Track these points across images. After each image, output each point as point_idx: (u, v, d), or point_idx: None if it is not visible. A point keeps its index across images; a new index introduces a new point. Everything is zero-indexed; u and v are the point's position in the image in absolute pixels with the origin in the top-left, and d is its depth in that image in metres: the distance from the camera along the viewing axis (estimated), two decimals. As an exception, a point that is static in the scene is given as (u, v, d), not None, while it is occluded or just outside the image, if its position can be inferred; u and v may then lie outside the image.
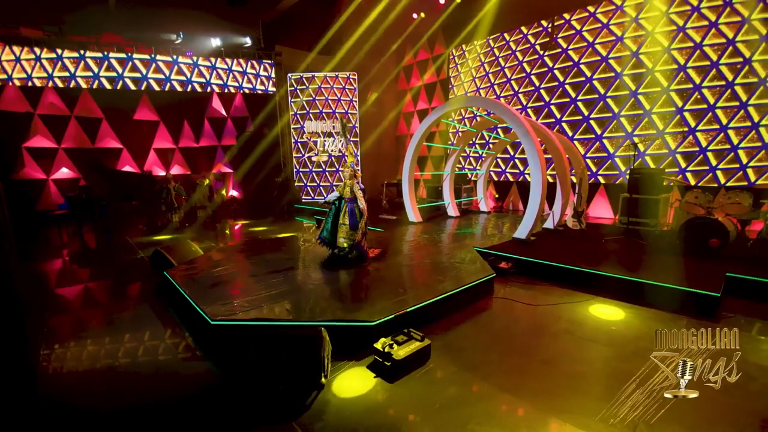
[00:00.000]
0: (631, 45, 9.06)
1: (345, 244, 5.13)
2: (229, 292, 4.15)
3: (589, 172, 9.46)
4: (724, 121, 7.88)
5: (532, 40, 10.88)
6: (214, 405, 2.64)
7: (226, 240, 8.65)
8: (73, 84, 11.70)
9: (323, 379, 2.70)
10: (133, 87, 12.36)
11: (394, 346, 2.93)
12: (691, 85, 8.23)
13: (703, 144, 8.14)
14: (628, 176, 7.41)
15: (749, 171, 7.68)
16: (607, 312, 4.12)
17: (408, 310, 3.50)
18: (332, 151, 13.29)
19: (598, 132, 9.66)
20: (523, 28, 11.08)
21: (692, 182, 8.20)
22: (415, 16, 12.85)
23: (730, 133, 7.83)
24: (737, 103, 7.70)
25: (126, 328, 4.04)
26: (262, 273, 4.81)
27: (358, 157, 13.63)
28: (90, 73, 11.85)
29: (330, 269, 4.96)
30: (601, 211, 9.68)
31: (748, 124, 7.60)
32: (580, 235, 6.62)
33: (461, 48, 12.83)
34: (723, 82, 7.83)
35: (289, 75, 13.33)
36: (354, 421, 2.43)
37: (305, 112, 13.43)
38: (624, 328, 3.75)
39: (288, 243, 7.18)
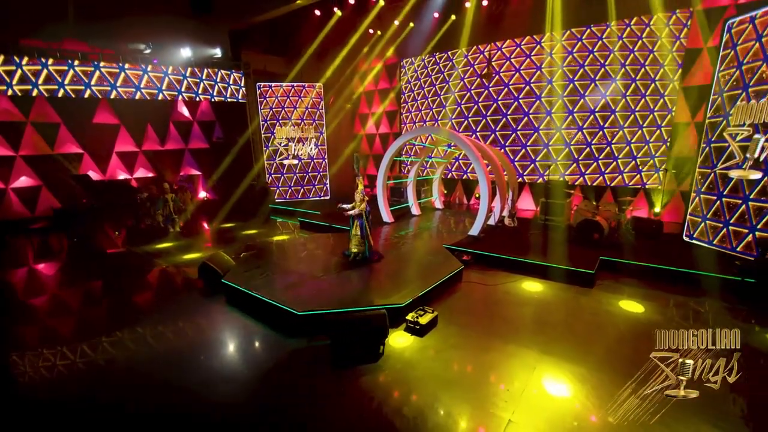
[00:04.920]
0: (546, 74, 11.77)
1: (355, 249, 6.96)
2: (289, 291, 5.76)
3: (516, 174, 12.17)
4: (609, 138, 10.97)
5: (472, 62, 13.21)
6: (327, 360, 4.44)
7: (235, 247, 9.13)
8: (35, 92, 11.52)
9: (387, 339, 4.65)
10: (98, 96, 12.30)
11: (419, 317, 4.94)
12: (588, 111, 11.17)
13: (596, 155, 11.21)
14: (545, 183, 10.12)
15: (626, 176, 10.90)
16: (532, 286, 6.53)
17: (420, 294, 5.53)
18: (302, 155, 14.58)
19: (523, 142, 12.43)
20: (463, 50, 13.34)
21: (589, 182, 11.27)
22: (371, 31, 14.42)
23: (613, 148, 10.97)
24: (617, 126, 10.77)
25: (207, 323, 5.54)
26: (301, 276, 6.43)
27: (326, 160, 15.13)
28: (54, 86, 11.69)
29: (348, 269, 6.71)
30: (527, 204, 12.54)
31: (623, 141, 10.72)
32: (513, 231, 9.14)
33: (412, 60, 14.82)
34: (608, 111, 10.84)
35: (258, 84, 14.16)
36: (411, 358, 4.44)
37: (275, 119, 14.45)
38: (542, 296, 6.18)
39: (297, 248, 8.67)
